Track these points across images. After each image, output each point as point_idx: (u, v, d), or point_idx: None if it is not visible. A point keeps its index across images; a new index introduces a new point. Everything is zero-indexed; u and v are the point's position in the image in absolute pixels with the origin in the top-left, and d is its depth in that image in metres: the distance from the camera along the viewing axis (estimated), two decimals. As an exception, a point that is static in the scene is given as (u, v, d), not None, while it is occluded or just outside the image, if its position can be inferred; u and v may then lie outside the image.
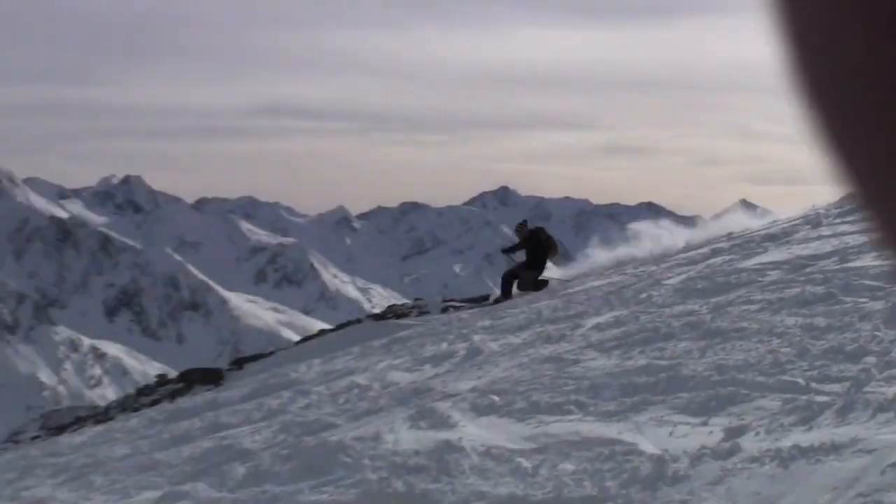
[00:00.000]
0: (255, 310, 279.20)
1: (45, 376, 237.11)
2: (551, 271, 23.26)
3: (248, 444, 11.28)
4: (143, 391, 33.50)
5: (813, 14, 0.63)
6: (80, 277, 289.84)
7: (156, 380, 39.45)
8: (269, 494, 8.74)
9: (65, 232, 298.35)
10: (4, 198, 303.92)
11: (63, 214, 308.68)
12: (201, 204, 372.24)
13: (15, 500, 12.28)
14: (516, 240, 23.40)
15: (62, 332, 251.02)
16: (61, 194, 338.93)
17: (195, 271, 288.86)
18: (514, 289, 21.64)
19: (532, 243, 22.47)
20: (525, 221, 23.74)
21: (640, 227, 27.01)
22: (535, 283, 21.56)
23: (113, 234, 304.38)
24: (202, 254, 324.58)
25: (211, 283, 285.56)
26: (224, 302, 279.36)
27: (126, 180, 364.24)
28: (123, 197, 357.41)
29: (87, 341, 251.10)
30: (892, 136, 0.61)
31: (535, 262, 22.26)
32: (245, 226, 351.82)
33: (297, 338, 54.79)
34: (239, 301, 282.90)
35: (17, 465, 16.45)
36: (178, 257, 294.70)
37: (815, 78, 0.65)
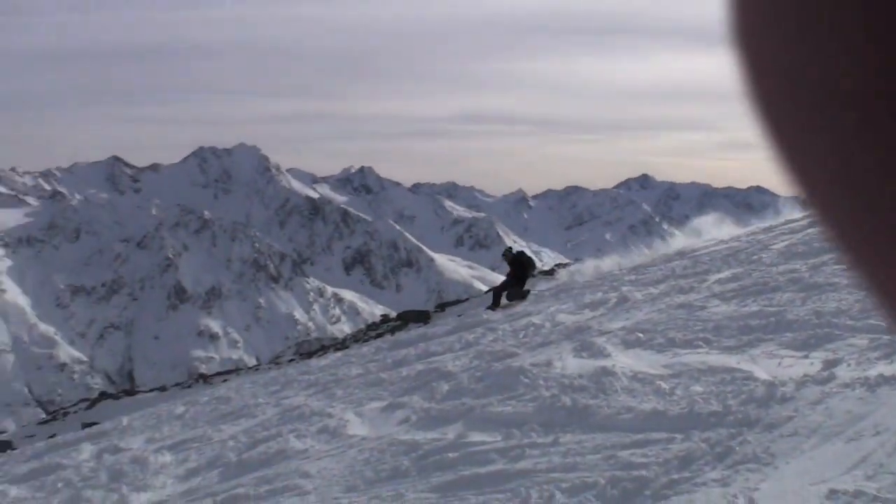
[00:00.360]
0: (455, 267, 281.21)
1: (299, 315, 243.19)
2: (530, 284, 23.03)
3: (451, 368, 11.32)
4: (371, 327, 34.07)
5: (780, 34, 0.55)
6: (326, 242, 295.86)
7: (380, 318, 40.08)
8: (466, 405, 8.75)
9: (315, 208, 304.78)
10: (272, 182, 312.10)
11: (314, 195, 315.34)
12: (416, 187, 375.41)
13: (278, 407, 12.54)
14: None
15: (312, 283, 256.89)
16: (314, 180, 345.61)
17: (410, 237, 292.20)
18: (503, 300, 21.42)
19: (516, 264, 22.12)
20: (510, 248, 23.14)
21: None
22: (520, 294, 21.36)
23: (350, 209, 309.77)
24: (415, 224, 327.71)
25: (422, 246, 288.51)
26: (431, 261, 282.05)
27: (361, 170, 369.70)
28: (359, 182, 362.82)
29: (330, 289, 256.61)
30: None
31: (520, 278, 21.93)
32: (448, 203, 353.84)
33: (485, 288, 54.96)
34: (442, 260, 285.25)
35: (279, 381, 16.86)
36: (398, 227, 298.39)
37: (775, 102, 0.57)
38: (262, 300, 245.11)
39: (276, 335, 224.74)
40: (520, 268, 21.88)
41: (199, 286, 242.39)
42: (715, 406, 6.71)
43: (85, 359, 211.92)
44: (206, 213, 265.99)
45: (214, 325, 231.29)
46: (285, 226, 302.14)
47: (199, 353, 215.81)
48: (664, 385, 7.66)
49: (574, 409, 7.51)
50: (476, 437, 7.38)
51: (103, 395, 36.45)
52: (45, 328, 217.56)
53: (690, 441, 6.06)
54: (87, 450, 13.62)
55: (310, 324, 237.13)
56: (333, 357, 20.42)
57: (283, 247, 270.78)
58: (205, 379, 31.38)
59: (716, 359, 8.23)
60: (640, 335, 10.20)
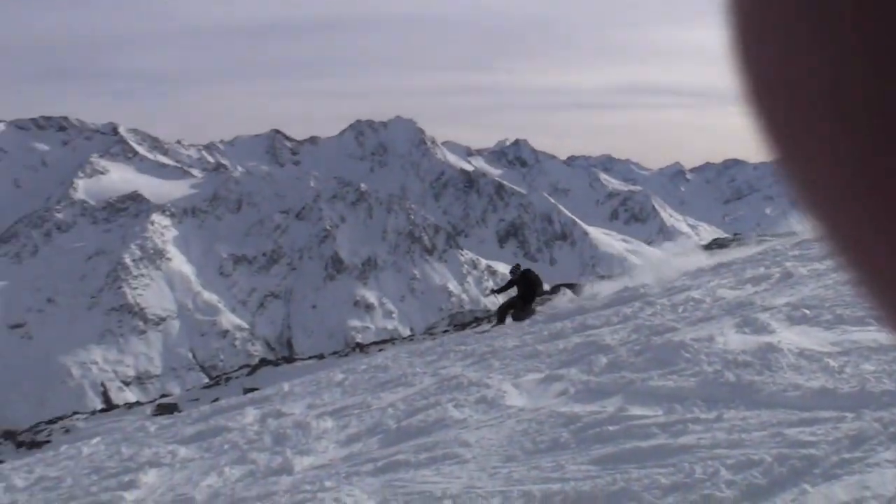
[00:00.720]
0: (609, 241, 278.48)
1: (453, 287, 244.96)
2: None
3: (609, 341, 11.25)
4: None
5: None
6: (480, 214, 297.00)
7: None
8: (626, 379, 8.69)
9: (470, 181, 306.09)
10: (428, 155, 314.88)
11: (469, 168, 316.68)
12: (571, 160, 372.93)
13: (435, 376, 12.69)
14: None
15: (466, 255, 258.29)
16: (468, 153, 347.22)
17: (565, 211, 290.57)
18: (509, 318, 20.97)
19: (524, 282, 21.56)
20: (518, 265, 22.67)
21: None
22: (527, 313, 20.62)
23: (505, 182, 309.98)
24: (570, 198, 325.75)
25: (576, 219, 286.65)
26: (585, 234, 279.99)
27: (516, 143, 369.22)
28: (513, 155, 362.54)
29: (483, 262, 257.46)
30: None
31: (528, 296, 21.34)
32: (603, 177, 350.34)
33: (639, 262, 54.24)
34: (596, 234, 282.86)
35: (435, 351, 17.05)
36: (552, 200, 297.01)
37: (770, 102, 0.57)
38: (416, 272, 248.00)
39: (429, 306, 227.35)
40: (527, 286, 21.49)
41: (355, 257, 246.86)
42: (888, 385, 6.48)
43: (246, 326, 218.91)
44: (362, 185, 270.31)
45: (370, 296, 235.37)
46: (440, 198, 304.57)
47: (355, 322, 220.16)
48: (832, 363, 7.44)
49: (738, 385, 7.37)
50: (636, 410, 7.33)
51: (263, 362, 37.55)
52: (209, 296, 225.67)
53: (862, 420, 5.87)
54: (250, 414, 14.10)
55: (463, 296, 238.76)
56: (488, 328, 20.59)
57: (437, 219, 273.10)
58: (361, 348, 31.94)
59: (888, 338, 7.91)
60: (806, 311, 9.91)
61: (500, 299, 22.71)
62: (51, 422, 31.33)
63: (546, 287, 24.95)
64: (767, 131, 0.58)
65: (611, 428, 6.94)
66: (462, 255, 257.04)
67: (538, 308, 21.91)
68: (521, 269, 22.15)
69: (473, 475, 6.68)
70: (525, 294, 21.27)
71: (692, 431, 6.40)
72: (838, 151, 0.52)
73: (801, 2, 0.51)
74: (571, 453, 6.61)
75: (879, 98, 0.48)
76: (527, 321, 19.15)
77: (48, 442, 25.93)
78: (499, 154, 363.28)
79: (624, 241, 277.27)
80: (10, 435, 30.10)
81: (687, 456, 5.91)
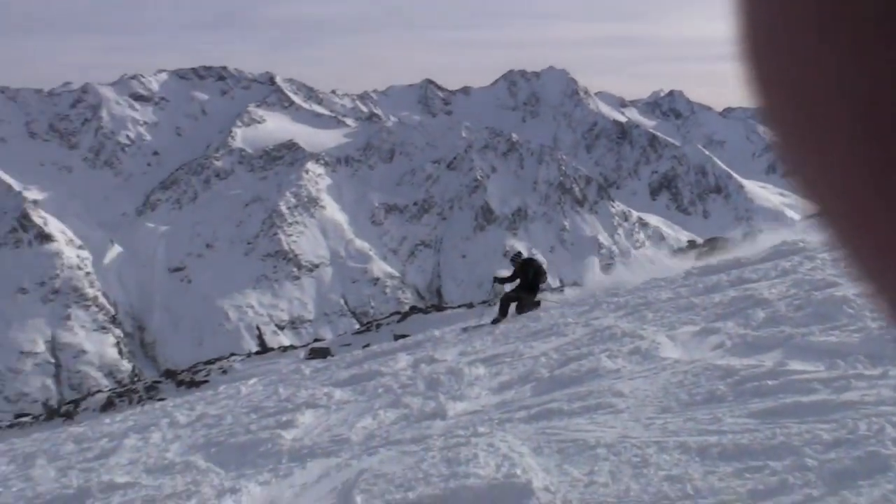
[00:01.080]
0: (766, 194, 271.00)
1: (603, 238, 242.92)
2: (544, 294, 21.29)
3: (767, 295, 11.02)
4: (676, 251, 33.58)
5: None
6: (632, 166, 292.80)
7: (686, 244, 39.41)
8: (785, 333, 8.51)
9: (623, 132, 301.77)
10: (580, 106, 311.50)
11: (622, 119, 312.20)
12: (727, 111, 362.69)
13: (588, 327, 12.68)
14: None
15: (617, 206, 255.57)
16: (621, 104, 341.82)
17: (720, 163, 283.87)
18: (512, 310, 19.66)
19: (526, 271, 20.24)
20: (519, 253, 21.44)
21: None
22: (531, 305, 19.73)
23: (658, 134, 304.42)
24: (725, 150, 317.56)
25: (731, 172, 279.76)
26: (741, 187, 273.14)
27: (670, 94, 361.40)
28: (667, 106, 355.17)
29: (634, 214, 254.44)
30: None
31: (531, 287, 20.11)
32: (761, 128, 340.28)
33: (797, 217, 52.80)
34: (752, 187, 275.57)
35: (587, 302, 17.03)
36: (706, 152, 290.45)
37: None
38: (566, 223, 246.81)
39: (579, 258, 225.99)
40: (530, 274, 20.27)
41: (505, 207, 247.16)
42: None
43: (397, 274, 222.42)
44: (513, 135, 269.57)
45: (519, 246, 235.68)
46: (592, 149, 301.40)
47: (504, 272, 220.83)
48: None
49: (906, 342, 7.13)
50: (796, 365, 7.18)
51: (413, 310, 38.14)
52: (361, 244, 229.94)
53: None
54: (403, 359, 14.39)
55: (614, 247, 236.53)
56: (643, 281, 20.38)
57: (589, 170, 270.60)
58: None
59: None
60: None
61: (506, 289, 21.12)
62: (209, 362, 32.64)
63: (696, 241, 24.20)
64: (784, 137, 0.58)
65: (770, 382, 6.82)
66: (613, 206, 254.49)
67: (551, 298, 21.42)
68: (522, 257, 21.07)
69: (628, 425, 6.68)
70: (528, 284, 20.27)
71: (855, 388, 6.24)
72: (851, 148, 0.52)
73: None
74: (728, 406, 6.54)
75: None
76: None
77: (206, 382, 27.06)
78: (653, 105, 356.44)
79: (781, 195, 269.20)
80: (170, 374, 31.51)
81: (850, 412, 5.76)
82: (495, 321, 18.97)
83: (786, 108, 0.56)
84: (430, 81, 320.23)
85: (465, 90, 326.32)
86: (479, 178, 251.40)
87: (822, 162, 0.55)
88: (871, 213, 0.52)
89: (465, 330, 18.21)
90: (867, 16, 0.48)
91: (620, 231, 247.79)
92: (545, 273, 20.73)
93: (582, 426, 6.91)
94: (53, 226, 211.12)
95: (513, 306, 19.92)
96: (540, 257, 21.83)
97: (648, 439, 6.15)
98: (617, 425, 6.72)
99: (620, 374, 8.55)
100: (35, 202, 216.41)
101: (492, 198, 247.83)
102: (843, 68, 0.50)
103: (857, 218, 0.54)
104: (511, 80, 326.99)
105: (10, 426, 26.74)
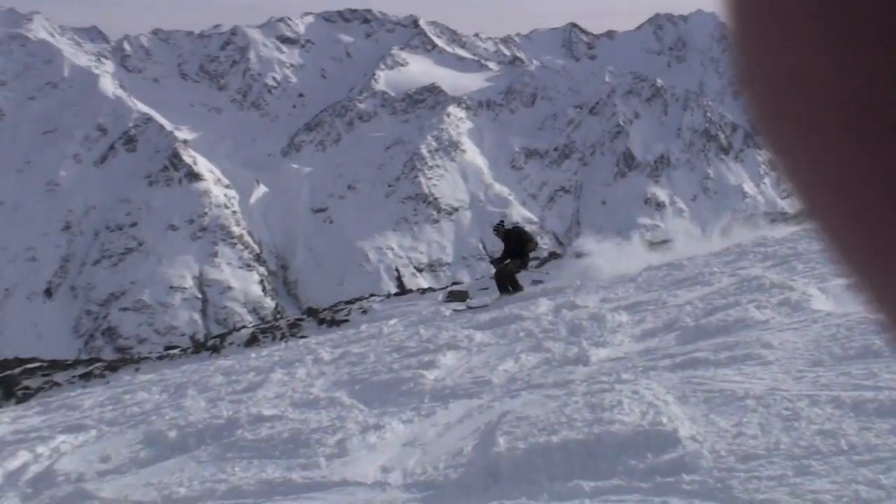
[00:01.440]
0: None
1: (748, 188, 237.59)
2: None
3: None
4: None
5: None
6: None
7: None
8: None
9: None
10: (729, 51, 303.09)
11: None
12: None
13: (734, 276, 12.41)
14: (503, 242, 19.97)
15: (764, 155, 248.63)
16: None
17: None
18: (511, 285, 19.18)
19: (512, 239, 19.54)
20: (502, 222, 20.46)
21: None
22: (514, 283, 19.31)
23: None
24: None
25: None
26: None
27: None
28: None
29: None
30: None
31: (517, 254, 19.46)
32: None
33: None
34: None
35: (733, 251, 16.65)
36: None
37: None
38: (710, 171, 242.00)
39: (722, 207, 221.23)
40: (516, 242, 19.69)
41: (648, 154, 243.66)
42: None
43: (536, 219, 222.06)
44: (658, 80, 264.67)
45: (661, 194, 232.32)
46: (740, 96, 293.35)
47: (645, 220, 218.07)
48: None
49: None
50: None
51: (552, 255, 37.98)
52: (500, 188, 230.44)
53: None
54: (544, 304, 14.40)
55: (759, 197, 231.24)
56: (792, 231, 19.79)
57: (735, 117, 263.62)
58: (651, 246, 31.67)
59: None
60: None
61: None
62: (349, 302, 33.25)
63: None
64: (774, 134, 0.58)
65: (930, 338, 6.55)
66: (760, 154, 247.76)
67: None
68: (506, 226, 20.34)
69: (777, 377, 6.52)
70: (516, 250, 19.86)
71: None
72: (844, 147, 0.51)
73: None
74: (885, 362, 6.31)
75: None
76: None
77: (347, 321, 27.58)
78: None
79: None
80: (312, 312, 32.23)
81: None
82: (498, 299, 19.07)
83: (777, 106, 0.56)
84: (574, 25, 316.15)
85: (610, 34, 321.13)
86: (621, 123, 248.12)
87: (815, 163, 0.54)
88: (865, 214, 0.51)
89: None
90: (861, 17, 0.47)
91: (767, 180, 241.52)
92: (532, 240, 20.28)
93: (729, 377, 6.79)
94: (202, 165, 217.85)
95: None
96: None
97: (800, 392, 6.00)
98: (766, 377, 6.57)
99: (769, 326, 8.35)
100: (185, 142, 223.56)
101: (634, 144, 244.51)
102: (838, 68, 0.49)
103: (850, 219, 0.53)
104: (657, 23, 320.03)
105: (160, 357, 27.82)
